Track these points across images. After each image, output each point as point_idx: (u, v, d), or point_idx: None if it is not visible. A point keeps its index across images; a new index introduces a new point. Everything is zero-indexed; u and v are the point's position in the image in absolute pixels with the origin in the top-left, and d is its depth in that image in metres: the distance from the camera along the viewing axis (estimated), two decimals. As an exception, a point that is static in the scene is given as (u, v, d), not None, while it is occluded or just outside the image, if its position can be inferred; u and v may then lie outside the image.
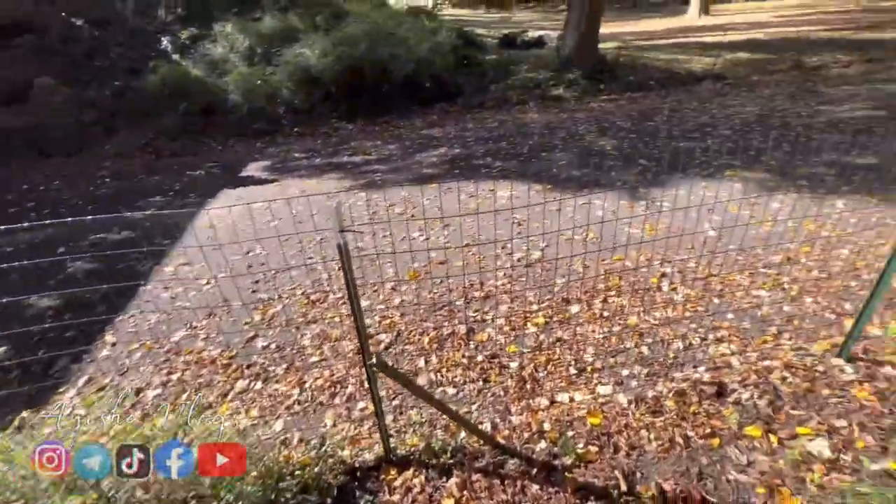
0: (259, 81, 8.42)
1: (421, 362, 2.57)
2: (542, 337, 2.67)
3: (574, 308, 2.95)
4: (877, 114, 6.52)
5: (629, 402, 2.12)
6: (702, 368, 2.33)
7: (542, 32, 14.13)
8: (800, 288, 2.91)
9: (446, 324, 2.88)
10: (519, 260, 3.54)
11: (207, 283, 3.51)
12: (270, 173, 6.22)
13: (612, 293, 3.07)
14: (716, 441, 1.88)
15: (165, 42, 10.09)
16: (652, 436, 1.94)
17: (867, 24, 13.50)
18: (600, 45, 10.75)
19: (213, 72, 8.92)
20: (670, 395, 2.13)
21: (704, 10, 19.27)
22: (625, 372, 2.34)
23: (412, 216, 4.50)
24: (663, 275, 3.23)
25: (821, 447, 1.80)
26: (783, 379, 2.21)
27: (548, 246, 3.66)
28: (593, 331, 2.70)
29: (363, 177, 5.86)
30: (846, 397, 2.08)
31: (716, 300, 2.89)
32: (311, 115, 8.50)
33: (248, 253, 3.94)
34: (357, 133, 8.02)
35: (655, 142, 6.19)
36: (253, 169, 6.45)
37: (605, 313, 2.87)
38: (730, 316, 2.73)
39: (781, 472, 1.74)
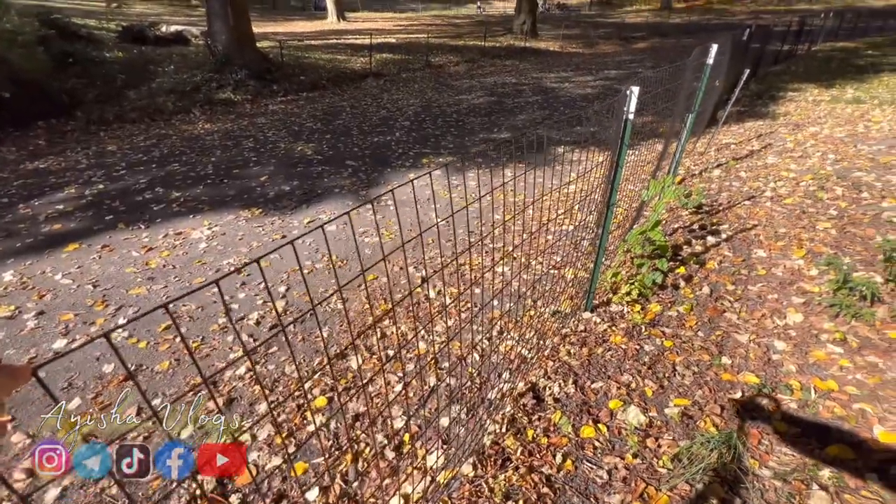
0: None
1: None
2: (332, 425, 1.98)
3: (353, 361, 2.37)
4: (491, 99, 8.59)
5: (474, 467, 1.69)
6: (507, 376, 2.15)
7: (179, 27, 12.24)
8: (525, 255, 3.13)
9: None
10: (258, 323, 2.64)
11: None
12: None
13: (385, 323, 2.64)
14: (569, 465, 1.66)
15: None
16: (521, 502, 1.56)
17: (455, 35, 17.88)
18: (258, 44, 10.24)
19: None
20: (504, 431, 1.82)
21: (341, 16, 21.65)
22: (444, 421, 1.92)
23: (40, 314, 2.72)
24: (423, 280, 3.03)
25: (635, 415, 1.81)
26: (569, 353, 2.25)
27: (289, 289, 2.95)
28: (387, 383, 2.19)
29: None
30: (612, 348, 2.25)
31: (477, 290, 2.84)
32: None
33: None
34: None
35: (352, 139, 6.15)
36: None
37: (390, 351, 2.41)
38: (495, 303, 2.70)
39: (635, 469, 1.64)
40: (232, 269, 3.11)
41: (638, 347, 2.24)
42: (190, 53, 10.33)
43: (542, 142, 5.04)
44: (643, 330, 2.35)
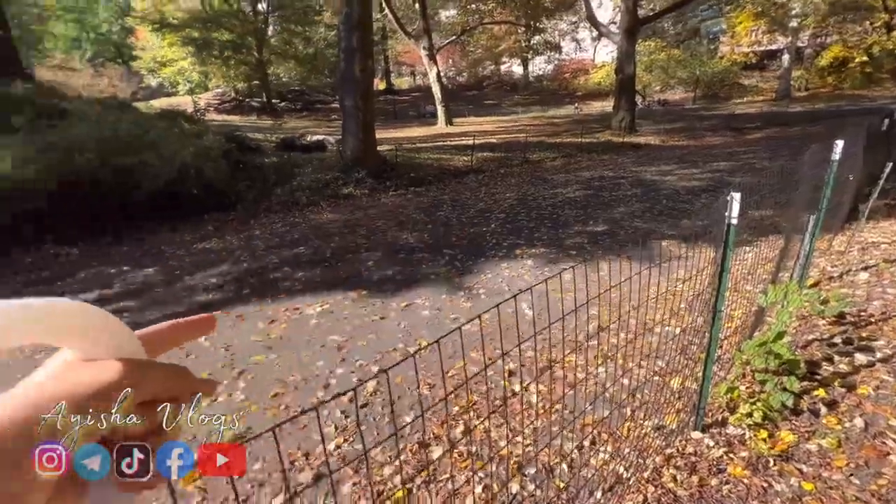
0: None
1: None
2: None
3: (436, 452, 2.33)
4: (587, 192, 8.65)
5: None
6: (599, 496, 1.93)
7: (320, 137, 14.89)
8: (623, 355, 2.88)
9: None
10: (351, 400, 2.73)
11: None
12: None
13: (470, 414, 2.59)
14: None
15: None
16: None
17: (552, 133, 19.06)
18: (378, 148, 11.90)
19: None
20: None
21: (449, 121, 24.50)
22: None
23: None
24: (510, 373, 2.96)
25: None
26: (674, 479, 1.96)
27: (381, 371, 3.05)
28: (467, 482, 2.10)
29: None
30: (730, 481, 1.91)
31: (569, 391, 2.64)
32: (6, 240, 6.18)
33: None
34: (88, 258, 6.22)
35: (451, 230, 6.56)
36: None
37: (472, 448, 2.33)
38: (589, 407, 2.49)
39: None
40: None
41: (766, 485, 1.87)
42: (326, 157, 12.50)
43: (644, 236, 4.90)
44: (771, 463, 1.97)
